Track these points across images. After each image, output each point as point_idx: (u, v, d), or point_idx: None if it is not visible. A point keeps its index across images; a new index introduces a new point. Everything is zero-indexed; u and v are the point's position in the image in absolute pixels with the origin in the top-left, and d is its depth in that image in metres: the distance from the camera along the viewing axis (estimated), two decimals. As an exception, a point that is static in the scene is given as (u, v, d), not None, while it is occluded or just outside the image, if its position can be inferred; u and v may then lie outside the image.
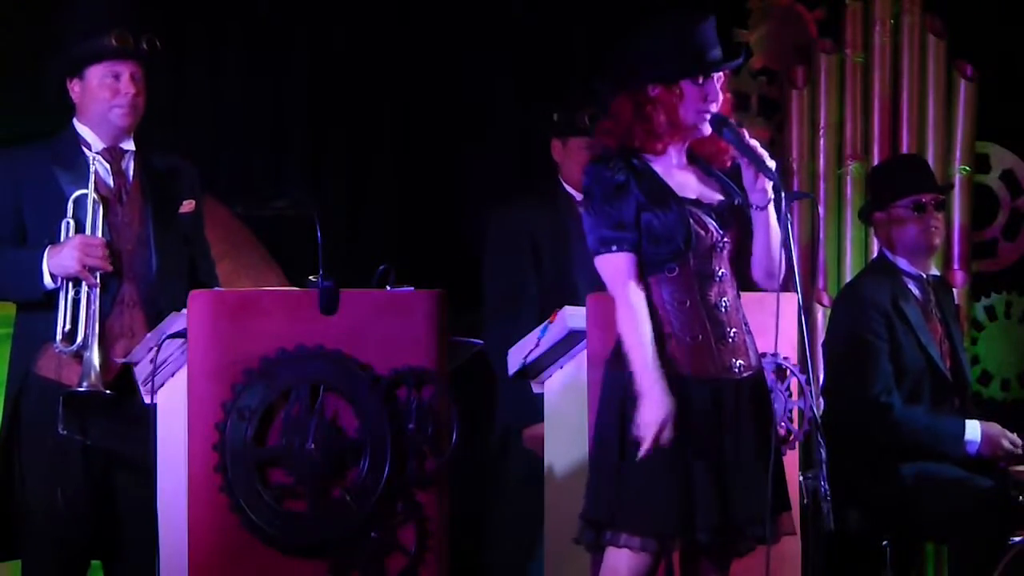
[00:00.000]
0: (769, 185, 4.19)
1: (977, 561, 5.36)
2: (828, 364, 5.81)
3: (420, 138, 6.69)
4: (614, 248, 4.14)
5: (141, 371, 4.58)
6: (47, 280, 4.73)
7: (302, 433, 4.39)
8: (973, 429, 5.52)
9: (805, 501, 4.90)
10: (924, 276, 5.71)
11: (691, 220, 4.16)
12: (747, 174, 4.21)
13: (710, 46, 4.20)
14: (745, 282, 4.34)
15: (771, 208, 4.21)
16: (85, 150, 4.85)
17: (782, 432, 4.88)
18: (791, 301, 4.75)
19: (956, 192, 6.58)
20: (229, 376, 4.38)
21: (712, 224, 4.19)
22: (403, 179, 6.70)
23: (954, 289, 6.39)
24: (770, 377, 4.84)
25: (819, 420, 4.56)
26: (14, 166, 4.87)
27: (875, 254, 6.40)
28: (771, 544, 4.19)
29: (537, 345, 4.79)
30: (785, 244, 4.21)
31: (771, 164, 4.19)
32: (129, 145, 4.91)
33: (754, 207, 4.22)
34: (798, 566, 4.87)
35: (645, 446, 4.05)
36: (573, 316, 4.68)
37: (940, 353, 5.65)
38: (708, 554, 4.22)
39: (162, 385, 4.55)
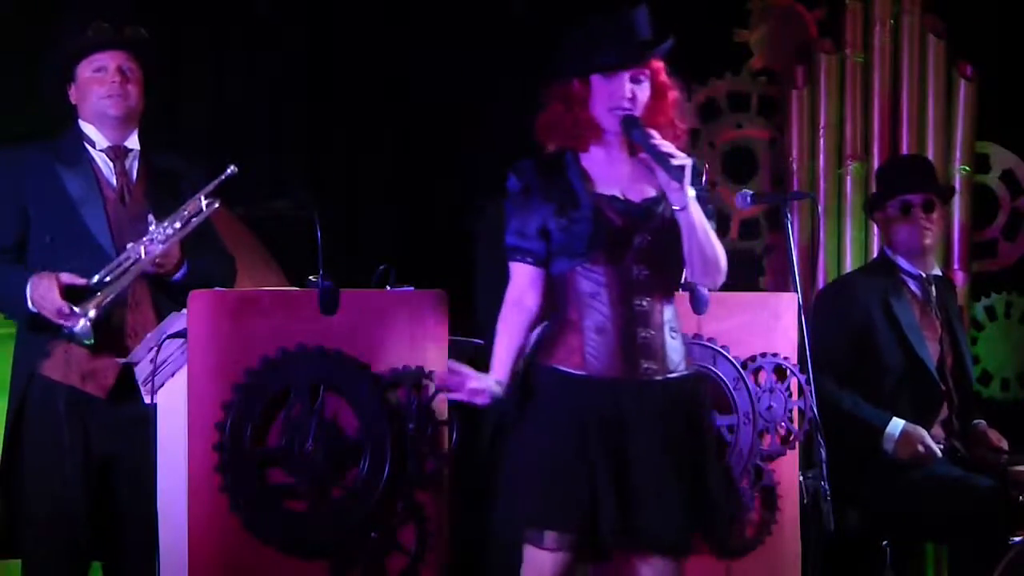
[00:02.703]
0: (686, 184, 4.05)
1: (977, 561, 5.36)
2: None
3: (420, 138, 6.68)
4: (511, 257, 4.18)
5: (141, 371, 4.58)
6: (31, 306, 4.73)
7: (302, 433, 4.39)
8: (895, 426, 5.52)
9: (805, 501, 4.90)
10: (924, 275, 5.72)
11: (607, 218, 4.11)
12: (661, 176, 4.09)
13: (619, 41, 4.10)
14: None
15: (694, 207, 4.08)
16: (88, 148, 4.86)
17: (782, 432, 4.88)
18: (791, 301, 4.76)
19: (956, 192, 6.58)
20: (229, 376, 4.38)
21: (630, 222, 4.12)
22: (403, 179, 6.70)
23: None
24: (770, 377, 4.85)
25: (819, 420, 4.56)
26: (19, 165, 4.87)
27: (875, 253, 6.41)
28: (679, 559, 4.10)
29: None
30: (785, 244, 4.19)
31: (683, 162, 4.05)
32: (133, 144, 4.91)
33: (676, 208, 4.09)
34: (798, 566, 4.87)
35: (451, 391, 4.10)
36: (573, 316, 4.67)
37: (935, 352, 5.65)
38: (621, 556, 4.14)
39: (162, 385, 4.54)
